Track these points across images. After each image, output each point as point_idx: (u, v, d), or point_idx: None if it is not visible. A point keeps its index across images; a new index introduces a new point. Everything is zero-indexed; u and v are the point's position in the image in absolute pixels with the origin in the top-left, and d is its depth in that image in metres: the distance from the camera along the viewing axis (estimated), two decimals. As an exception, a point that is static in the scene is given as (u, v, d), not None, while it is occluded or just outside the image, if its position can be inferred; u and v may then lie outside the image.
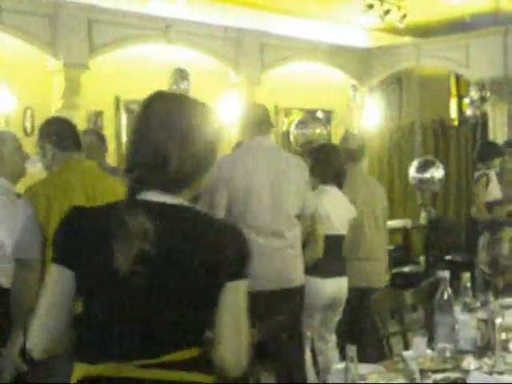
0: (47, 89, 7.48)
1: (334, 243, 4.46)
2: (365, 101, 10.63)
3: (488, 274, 5.95)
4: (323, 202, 4.42)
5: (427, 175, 8.85)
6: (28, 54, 7.24)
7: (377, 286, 4.91)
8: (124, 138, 8.17)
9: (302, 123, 10.04)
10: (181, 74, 7.86)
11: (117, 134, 8.17)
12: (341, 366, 2.23)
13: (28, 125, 7.33)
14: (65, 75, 7.37)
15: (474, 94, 9.44)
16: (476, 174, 7.10)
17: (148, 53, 8.19)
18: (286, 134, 9.98)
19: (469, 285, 3.01)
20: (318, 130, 10.18)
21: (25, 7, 7.04)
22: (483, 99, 9.44)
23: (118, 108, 8.15)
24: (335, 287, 4.49)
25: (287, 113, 9.98)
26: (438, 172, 8.86)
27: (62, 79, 7.39)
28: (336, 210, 4.52)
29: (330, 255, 4.40)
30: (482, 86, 9.46)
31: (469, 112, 10.04)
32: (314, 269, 4.23)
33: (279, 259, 3.90)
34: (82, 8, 7.45)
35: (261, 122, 4.07)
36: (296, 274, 3.99)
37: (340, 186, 4.68)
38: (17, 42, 7.03)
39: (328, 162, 4.62)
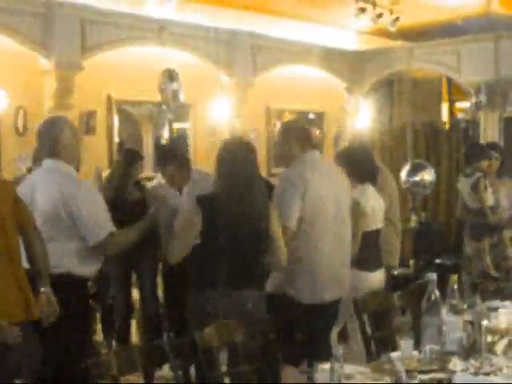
0: (39, 88, 7.48)
1: (376, 237, 4.62)
2: (357, 103, 10.67)
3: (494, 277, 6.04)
4: (369, 201, 4.52)
5: (418, 179, 8.88)
6: (20, 53, 7.23)
7: None
8: (116, 138, 8.18)
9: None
10: (170, 75, 7.87)
11: (109, 133, 8.17)
12: (327, 365, 2.24)
13: (20, 124, 7.32)
14: (57, 75, 7.37)
15: (474, 98, 9.46)
16: (470, 180, 7.08)
17: (141, 54, 8.20)
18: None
19: (456, 287, 3.03)
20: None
21: (17, 6, 7.03)
22: (479, 104, 9.48)
23: (110, 108, 8.15)
24: (381, 278, 4.62)
25: (279, 115, 10.00)
26: (429, 176, 8.89)
27: (54, 79, 7.39)
28: (376, 206, 4.64)
29: (375, 249, 4.58)
30: (478, 91, 9.50)
31: (461, 115, 10.09)
32: (364, 262, 4.38)
33: (341, 268, 4.07)
34: (74, 8, 7.45)
35: (311, 136, 4.23)
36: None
37: (375, 183, 4.77)
38: (9, 41, 7.03)
39: (363, 162, 4.70)
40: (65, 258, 3.61)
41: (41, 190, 3.67)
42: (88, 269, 3.73)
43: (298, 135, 4.11)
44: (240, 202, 3.54)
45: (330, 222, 3.99)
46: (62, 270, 3.56)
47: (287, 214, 3.86)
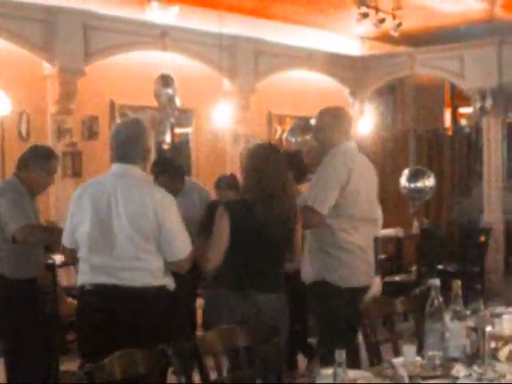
0: (43, 93, 7.50)
1: (377, 242, 4.71)
2: (360, 109, 10.67)
3: None
4: None
5: (418, 184, 8.88)
6: (24, 58, 7.24)
7: None
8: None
9: (292, 131, 10.08)
10: (165, 81, 7.87)
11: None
12: (329, 370, 2.24)
13: (23, 129, 7.34)
14: (60, 80, 7.38)
15: (477, 104, 9.45)
16: None
17: (143, 59, 8.21)
18: (280, 141, 10.00)
19: (460, 293, 3.02)
20: (308, 137, 10.21)
21: (21, 13, 7.05)
22: (482, 109, 9.47)
23: (112, 113, 8.16)
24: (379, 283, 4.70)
25: (281, 120, 10.01)
26: (428, 181, 8.89)
27: (58, 84, 7.40)
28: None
29: (377, 254, 4.65)
30: (481, 96, 9.49)
31: (464, 121, 10.08)
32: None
33: (370, 252, 4.26)
34: (78, 14, 7.47)
35: (351, 125, 4.36)
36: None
37: None
38: (13, 47, 7.04)
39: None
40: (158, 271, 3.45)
41: (123, 198, 3.41)
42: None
43: (348, 122, 4.26)
44: (268, 205, 3.59)
45: (365, 209, 4.14)
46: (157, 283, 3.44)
47: (323, 199, 3.97)
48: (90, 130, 7.92)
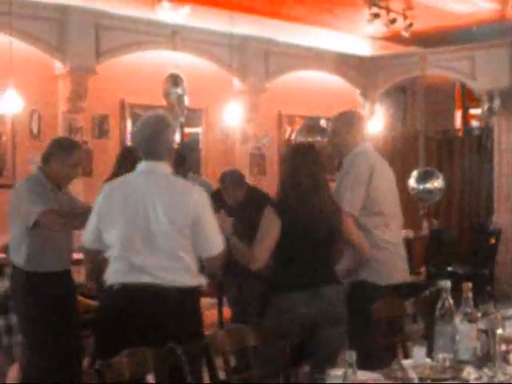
0: (54, 92, 7.53)
1: None
2: (370, 109, 10.65)
3: None
4: None
5: (427, 186, 8.85)
6: (35, 57, 7.28)
7: None
8: (129, 142, 8.20)
9: (300, 131, 10.09)
10: (174, 80, 7.87)
11: (122, 137, 8.19)
12: (339, 371, 2.24)
13: (34, 127, 7.38)
14: (71, 79, 7.41)
15: (487, 104, 9.42)
16: None
17: (154, 58, 8.24)
18: (290, 141, 10.01)
19: (470, 295, 3.01)
20: (318, 138, 10.23)
21: (33, 12, 7.08)
22: (491, 110, 9.43)
23: (123, 112, 8.18)
24: None
25: (290, 120, 10.00)
26: (438, 182, 8.85)
27: (69, 83, 7.43)
28: None
29: None
30: (491, 97, 9.46)
31: (475, 123, 10.03)
32: None
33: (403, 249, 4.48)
34: (89, 13, 7.50)
35: (365, 127, 4.59)
36: None
37: None
38: (25, 46, 7.08)
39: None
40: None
41: (158, 196, 3.34)
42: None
43: (363, 124, 4.43)
44: (307, 204, 3.67)
45: (391, 205, 4.29)
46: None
47: (351, 201, 4.07)
48: (101, 129, 7.95)
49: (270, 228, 3.64)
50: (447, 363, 2.75)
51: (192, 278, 3.36)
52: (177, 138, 9.02)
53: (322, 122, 10.35)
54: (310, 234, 3.68)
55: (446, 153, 10.49)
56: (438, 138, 10.65)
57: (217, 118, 8.79)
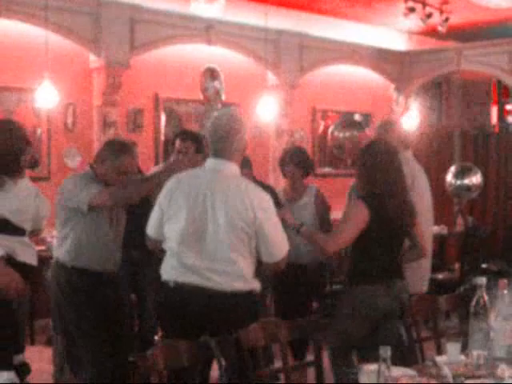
0: (89, 86, 7.59)
1: None
2: (405, 104, 10.56)
3: None
4: None
5: (464, 182, 8.75)
6: (71, 51, 7.34)
7: None
8: (162, 137, 8.24)
9: (336, 126, 10.05)
10: (211, 74, 7.87)
11: (156, 132, 8.24)
12: (373, 366, 2.22)
13: (69, 120, 7.45)
14: (106, 73, 7.46)
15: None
16: None
17: (188, 52, 8.26)
18: (323, 136, 9.97)
19: (505, 292, 2.98)
20: (354, 133, 10.19)
21: (69, 6, 7.14)
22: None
23: (157, 106, 8.22)
24: None
25: (324, 115, 9.97)
26: (476, 178, 8.74)
27: (104, 77, 7.48)
28: None
29: None
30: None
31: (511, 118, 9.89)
32: None
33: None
34: (124, 7, 7.54)
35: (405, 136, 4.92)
36: None
37: None
38: (61, 39, 7.14)
39: None
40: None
41: (221, 196, 3.31)
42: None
43: (402, 133, 4.72)
44: (396, 198, 3.84)
45: (427, 213, 4.58)
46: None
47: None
48: (135, 123, 7.99)
49: (356, 220, 3.75)
50: (481, 360, 2.73)
51: (244, 283, 3.30)
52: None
53: (357, 117, 10.29)
54: (390, 231, 3.83)
55: (482, 149, 10.37)
56: (473, 133, 10.52)
57: (251, 112, 8.78)
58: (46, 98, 6.69)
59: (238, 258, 3.26)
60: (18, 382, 3.06)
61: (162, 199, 3.40)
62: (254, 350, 2.95)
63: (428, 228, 4.56)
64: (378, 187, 3.80)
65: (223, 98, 8.25)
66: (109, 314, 3.94)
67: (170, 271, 3.34)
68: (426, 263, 4.58)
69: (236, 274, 3.27)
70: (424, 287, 4.59)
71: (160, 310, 3.48)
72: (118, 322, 3.99)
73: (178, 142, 4.89)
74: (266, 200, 3.34)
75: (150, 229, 3.48)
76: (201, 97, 8.49)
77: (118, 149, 4.04)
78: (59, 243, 4.06)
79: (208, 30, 8.18)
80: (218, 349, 2.68)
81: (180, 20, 7.99)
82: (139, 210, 4.01)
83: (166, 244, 3.39)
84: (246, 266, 3.30)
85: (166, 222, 3.37)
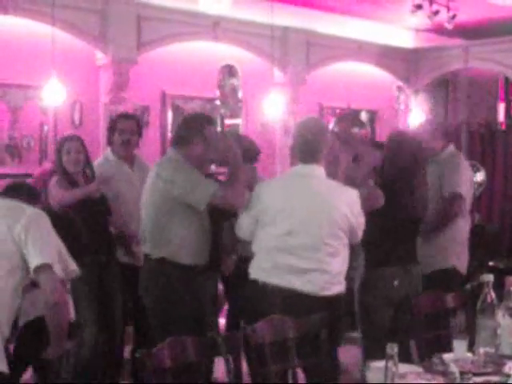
0: (95, 83, 7.60)
1: None
2: (411, 102, 10.54)
3: None
4: None
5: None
6: (78, 48, 7.35)
7: None
8: (169, 134, 8.24)
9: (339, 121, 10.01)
10: (229, 71, 7.87)
11: (163, 129, 8.24)
12: (380, 363, 2.23)
13: (76, 117, 7.47)
14: (113, 70, 7.47)
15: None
16: None
17: (195, 49, 8.26)
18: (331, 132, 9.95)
19: (512, 289, 2.97)
20: (356, 130, 10.15)
21: (76, 3, 7.15)
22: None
23: (164, 103, 8.22)
24: None
25: (331, 112, 9.95)
26: (479, 176, 8.74)
27: (111, 74, 7.49)
28: None
29: None
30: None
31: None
32: None
33: None
34: (131, 4, 7.54)
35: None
36: None
37: None
38: (68, 36, 7.15)
39: None
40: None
41: (314, 201, 3.42)
42: None
43: (442, 129, 4.93)
44: (408, 188, 3.93)
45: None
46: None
47: (463, 193, 4.56)
48: (141, 120, 7.99)
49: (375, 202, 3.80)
50: (488, 358, 2.73)
51: (336, 286, 3.44)
52: (218, 129, 9.05)
53: (363, 115, 10.27)
54: (404, 216, 3.92)
55: (489, 146, 10.33)
56: (480, 131, 10.49)
57: (257, 109, 8.79)
58: (52, 95, 6.71)
59: (333, 259, 3.43)
60: None
61: (253, 205, 3.49)
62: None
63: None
64: (397, 175, 3.92)
65: (240, 95, 8.27)
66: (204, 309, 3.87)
67: (261, 272, 3.44)
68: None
69: (335, 276, 3.44)
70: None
71: (249, 308, 3.60)
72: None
73: (120, 122, 4.97)
74: (355, 197, 3.50)
75: (244, 233, 3.57)
76: (208, 94, 8.49)
77: (201, 122, 3.83)
78: (159, 237, 3.73)
79: (215, 27, 8.18)
80: (224, 346, 2.68)
81: (187, 17, 7.99)
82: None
83: (254, 247, 3.50)
84: (341, 267, 3.49)
85: (259, 226, 3.47)
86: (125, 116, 5.21)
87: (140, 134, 5.08)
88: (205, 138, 3.69)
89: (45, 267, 2.70)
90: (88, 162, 4.74)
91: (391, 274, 3.86)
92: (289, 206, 3.38)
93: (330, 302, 3.38)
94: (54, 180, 4.61)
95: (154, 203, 3.69)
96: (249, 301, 3.53)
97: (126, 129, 4.92)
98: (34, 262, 2.70)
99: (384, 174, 3.95)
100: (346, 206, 3.43)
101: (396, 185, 3.90)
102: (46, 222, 2.85)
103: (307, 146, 3.46)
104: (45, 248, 2.75)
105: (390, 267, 3.88)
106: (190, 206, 3.60)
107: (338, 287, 3.46)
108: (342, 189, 3.52)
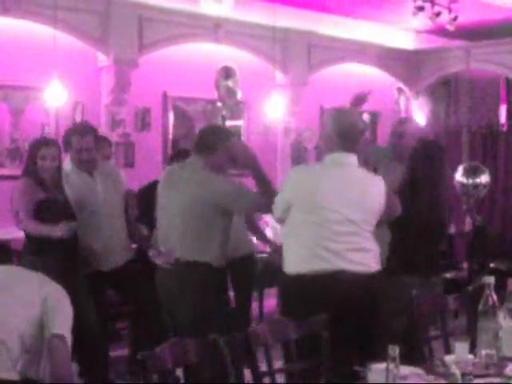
0: (97, 84, 7.61)
1: None
2: (411, 104, 10.54)
3: None
4: None
5: (472, 180, 8.74)
6: (80, 50, 7.36)
7: None
8: (170, 136, 8.24)
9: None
10: (227, 72, 7.88)
11: (164, 130, 8.24)
12: (382, 365, 2.23)
13: (78, 119, 7.47)
14: (115, 71, 7.48)
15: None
16: None
17: (196, 51, 8.27)
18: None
19: (514, 291, 2.97)
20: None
21: (78, 5, 7.16)
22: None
23: (165, 105, 8.23)
24: None
25: (333, 114, 9.94)
26: (484, 177, 8.73)
27: (112, 75, 7.50)
28: None
29: None
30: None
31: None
32: None
33: None
34: (133, 6, 7.55)
35: None
36: None
37: None
38: (68, 38, 7.16)
39: None
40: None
41: (348, 187, 3.49)
42: None
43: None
44: (434, 191, 3.98)
45: None
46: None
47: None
48: (143, 121, 8.01)
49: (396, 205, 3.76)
50: (490, 360, 2.72)
51: (377, 263, 3.55)
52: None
53: (365, 116, 10.25)
54: (422, 226, 3.93)
55: (490, 148, 10.33)
56: (481, 132, 10.49)
57: (259, 111, 8.79)
58: (54, 97, 6.72)
59: (368, 242, 3.50)
60: None
61: (287, 190, 3.55)
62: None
63: None
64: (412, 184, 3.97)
65: (239, 96, 8.26)
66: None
67: (299, 263, 3.45)
68: None
69: (372, 255, 3.52)
70: None
71: (286, 300, 3.64)
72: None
73: (75, 140, 4.61)
74: (382, 185, 3.56)
75: (277, 213, 3.61)
76: (209, 95, 8.49)
77: (226, 134, 4.11)
78: (201, 243, 3.85)
79: (216, 29, 8.19)
80: (226, 347, 2.68)
81: (188, 19, 8.00)
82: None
83: (294, 234, 3.50)
84: (376, 248, 3.57)
85: (294, 213, 3.49)
86: (80, 132, 4.75)
87: (98, 143, 4.86)
88: (228, 148, 3.88)
89: (61, 337, 2.76)
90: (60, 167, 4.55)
91: (411, 283, 3.85)
92: (321, 194, 3.42)
93: (374, 277, 3.49)
94: (22, 182, 4.40)
95: (195, 211, 3.82)
96: (287, 297, 3.57)
97: (82, 147, 4.62)
98: (52, 329, 2.77)
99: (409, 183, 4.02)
100: (379, 194, 3.53)
101: (422, 195, 3.96)
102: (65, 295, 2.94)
103: (343, 134, 3.50)
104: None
105: (409, 276, 3.92)
106: (231, 212, 3.87)
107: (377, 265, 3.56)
108: (374, 177, 3.65)
